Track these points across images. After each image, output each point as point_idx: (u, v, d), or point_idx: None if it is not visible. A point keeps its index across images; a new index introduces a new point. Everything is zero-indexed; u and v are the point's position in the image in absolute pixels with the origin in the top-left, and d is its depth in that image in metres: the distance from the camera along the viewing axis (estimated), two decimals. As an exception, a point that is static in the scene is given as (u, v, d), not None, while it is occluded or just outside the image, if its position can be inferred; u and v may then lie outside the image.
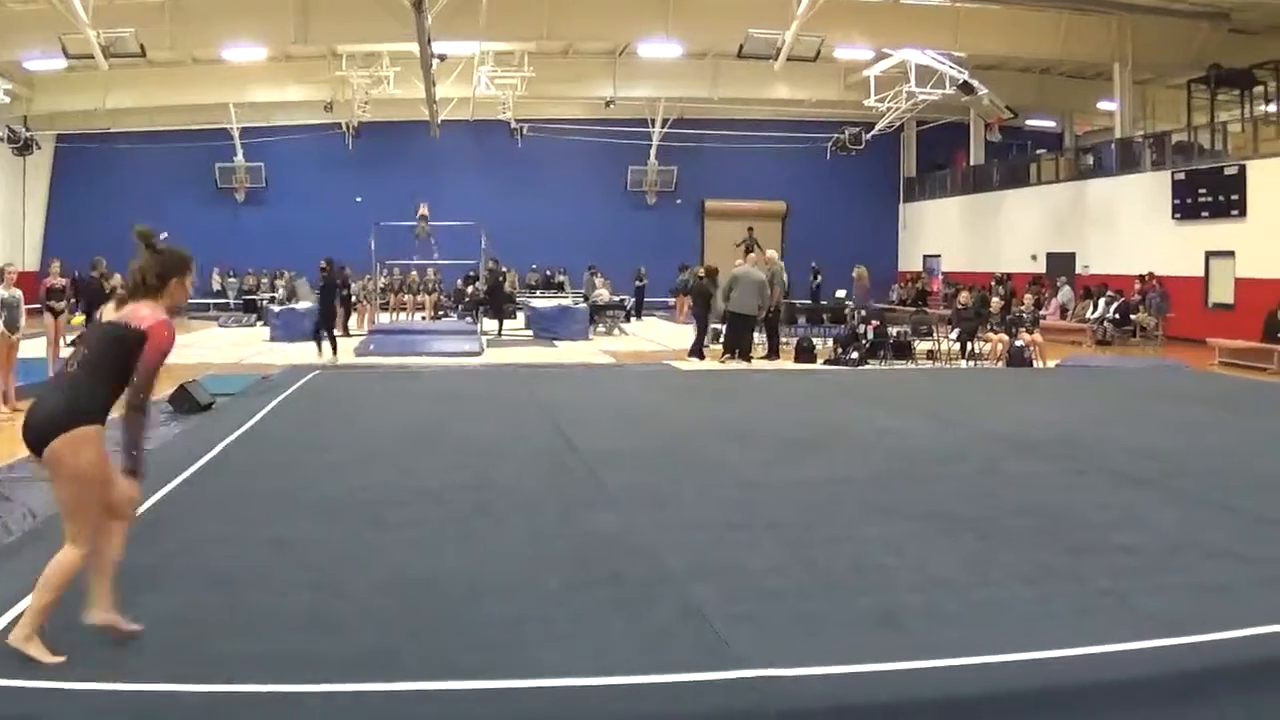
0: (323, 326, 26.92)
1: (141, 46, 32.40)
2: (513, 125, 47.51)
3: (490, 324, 35.27)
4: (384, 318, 38.43)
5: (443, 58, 36.30)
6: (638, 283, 45.66)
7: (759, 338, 28.05)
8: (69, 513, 6.69)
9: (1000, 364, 27.21)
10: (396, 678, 6.26)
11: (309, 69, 43.67)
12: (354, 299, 36.32)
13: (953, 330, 29.35)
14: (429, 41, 31.30)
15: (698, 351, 27.70)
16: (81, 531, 6.65)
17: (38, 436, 6.57)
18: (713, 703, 6.11)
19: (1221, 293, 35.21)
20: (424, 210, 39.43)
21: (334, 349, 26.45)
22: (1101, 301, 37.25)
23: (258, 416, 16.92)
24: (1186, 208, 36.28)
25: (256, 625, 7.21)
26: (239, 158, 50.16)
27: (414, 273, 40.96)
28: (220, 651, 6.67)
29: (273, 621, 7.28)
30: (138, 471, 6.87)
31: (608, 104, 48.14)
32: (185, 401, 17.54)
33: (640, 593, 7.92)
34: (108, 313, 7.09)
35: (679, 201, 54.63)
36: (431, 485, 11.67)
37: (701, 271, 31.57)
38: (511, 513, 10.42)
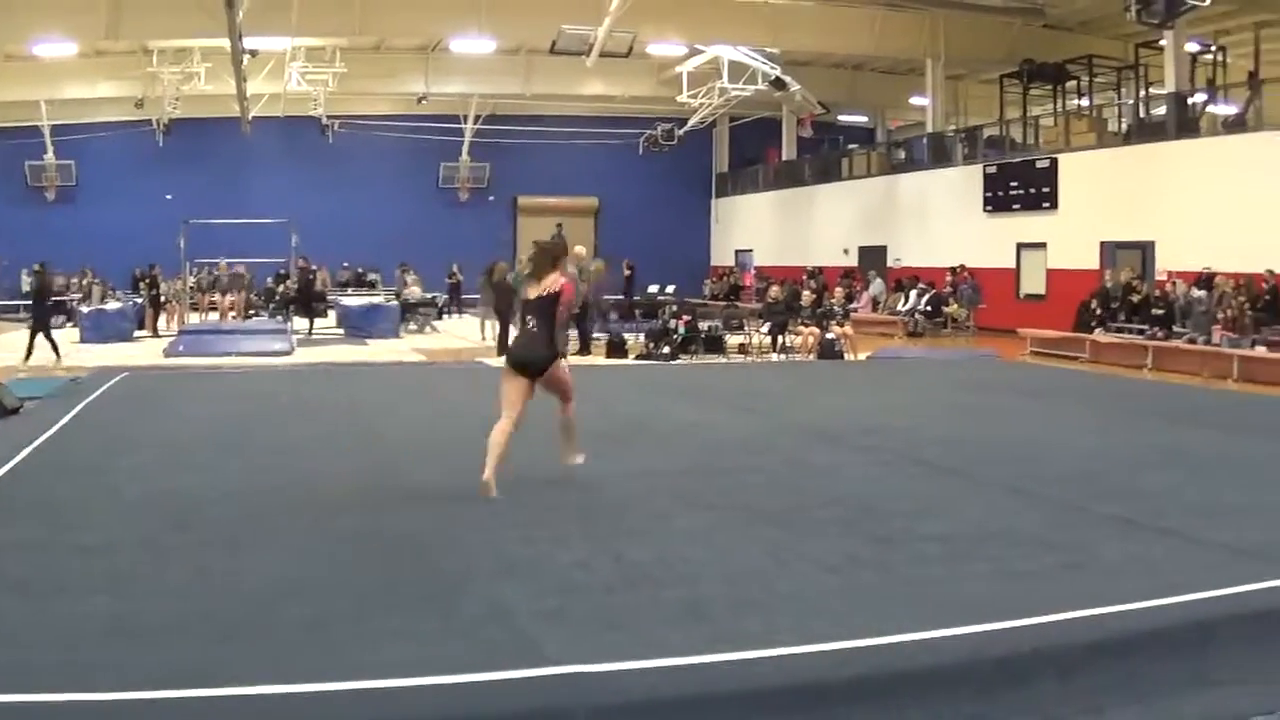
0: (38, 330, 26.04)
1: (-49, 43, 31.66)
2: (324, 121, 46.92)
3: (301, 323, 34.93)
4: (194, 318, 37.84)
5: (254, 53, 35.69)
6: (450, 280, 45.44)
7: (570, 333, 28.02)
8: (565, 393, 11.70)
9: (811, 357, 27.46)
10: (201, 684, 6.08)
11: (121, 65, 42.65)
12: (163, 299, 35.81)
13: (764, 324, 29.58)
14: (240, 37, 30.85)
15: (504, 348, 27.71)
16: (570, 397, 11.78)
17: (535, 366, 11.30)
18: (521, 701, 6.07)
19: (1033, 283, 35.93)
20: None
21: (54, 350, 25.79)
22: (913, 293, 37.83)
23: (65, 419, 16.54)
24: (998, 200, 36.98)
25: (56, 633, 7.00)
26: (49, 155, 48.76)
27: (222, 261, 40.10)
28: (18, 660, 6.49)
29: (73, 629, 7.07)
30: (563, 354, 11.95)
31: (420, 100, 47.89)
32: (-8, 406, 17.16)
33: (448, 591, 7.88)
34: (530, 291, 11.32)
35: (491, 198, 54.58)
36: (239, 486, 11.51)
37: (506, 268, 31.38)
38: (320, 513, 10.29)
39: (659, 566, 8.50)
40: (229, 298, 39.54)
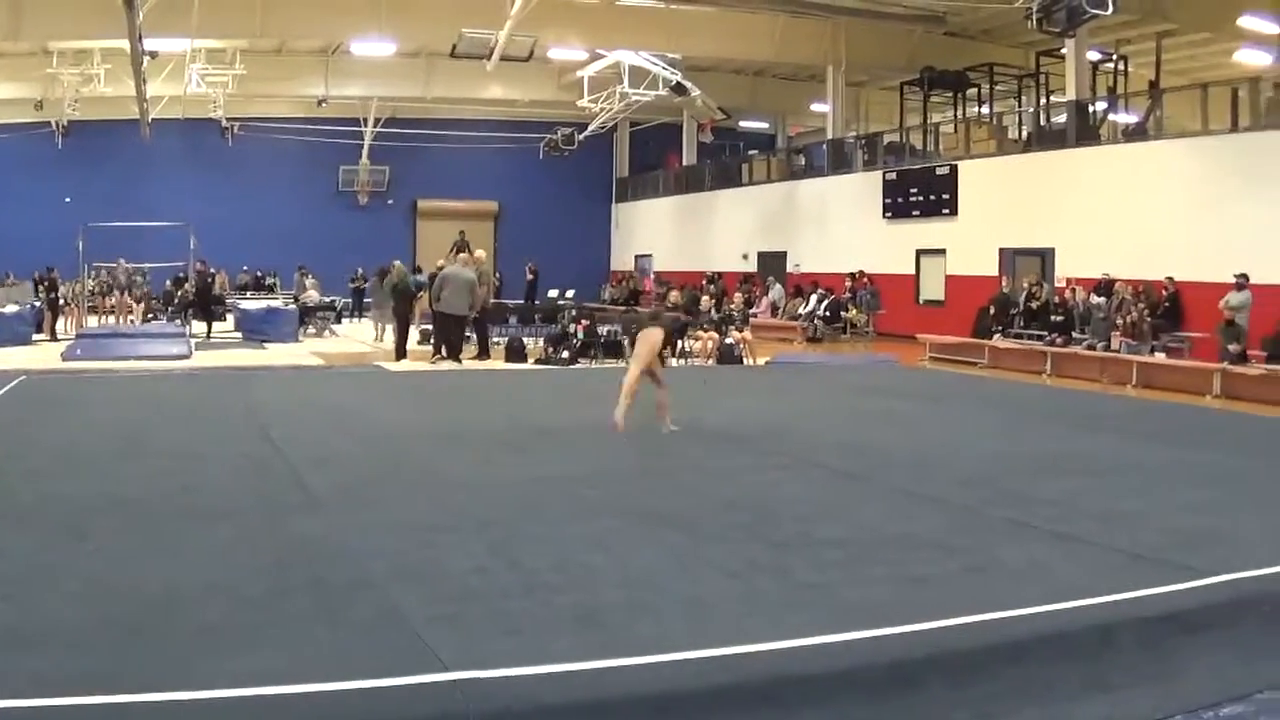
0: None
1: None
2: (224, 124, 46.57)
3: (199, 326, 34.59)
4: (92, 321, 37.39)
5: (154, 55, 35.31)
6: (352, 284, 45.08)
7: (470, 337, 27.87)
8: (652, 368, 15.40)
9: (711, 361, 27.46)
10: (93, 691, 6.00)
11: (20, 66, 42.08)
12: (61, 302, 35.36)
13: (664, 329, 29.58)
14: (140, 38, 30.47)
15: (403, 352, 27.54)
16: (659, 380, 15.54)
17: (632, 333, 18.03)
18: (413, 706, 6.02)
19: (932, 289, 36.11)
20: None
21: None
22: (812, 299, 37.89)
23: (-43, 424, 16.34)
24: (897, 207, 37.21)
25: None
26: (-51, 159, 48.25)
27: (121, 260, 39.44)
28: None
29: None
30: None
31: (320, 103, 47.69)
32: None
33: (341, 597, 7.76)
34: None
35: (390, 202, 54.39)
36: (133, 492, 11.31)
37: (404, 270, 31.07)
38: (214, 519, 10.13)
39: (556, 572, 8.43)
40: (128, 296, 39.00)
